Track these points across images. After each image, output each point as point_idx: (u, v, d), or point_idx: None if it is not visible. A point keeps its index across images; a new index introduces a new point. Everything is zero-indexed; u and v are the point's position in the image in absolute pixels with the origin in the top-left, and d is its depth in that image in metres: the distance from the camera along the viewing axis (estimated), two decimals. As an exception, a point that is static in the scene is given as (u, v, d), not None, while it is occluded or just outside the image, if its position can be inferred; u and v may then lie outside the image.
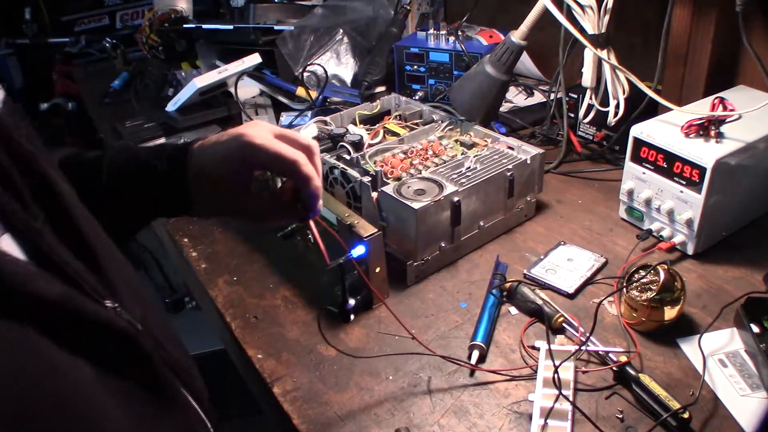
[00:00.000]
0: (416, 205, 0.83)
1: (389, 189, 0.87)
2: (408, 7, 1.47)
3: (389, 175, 0.93)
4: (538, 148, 0.98)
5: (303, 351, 0.78)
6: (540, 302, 0.79)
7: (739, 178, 0.87)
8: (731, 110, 0.87)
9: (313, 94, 1.36)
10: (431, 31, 1.36)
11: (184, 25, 1.54)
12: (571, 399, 0.66)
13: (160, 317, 0.53)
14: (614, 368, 0.70)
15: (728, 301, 0.78)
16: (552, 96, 1.21)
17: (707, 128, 0.86)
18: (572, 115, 1.19)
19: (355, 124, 1.10)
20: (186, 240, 1.01)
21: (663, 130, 0.89)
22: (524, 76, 1.49)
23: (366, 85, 1.37)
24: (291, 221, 0.69)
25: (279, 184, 0.68)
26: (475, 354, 0.74)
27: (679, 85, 1.08)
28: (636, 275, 0.77)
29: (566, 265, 0.88)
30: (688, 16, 1.03)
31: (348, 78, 1.45)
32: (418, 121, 1.11)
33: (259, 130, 0.62)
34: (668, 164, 0.87)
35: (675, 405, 0.64)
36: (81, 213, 0.45)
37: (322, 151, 0.98)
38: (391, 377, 0.73)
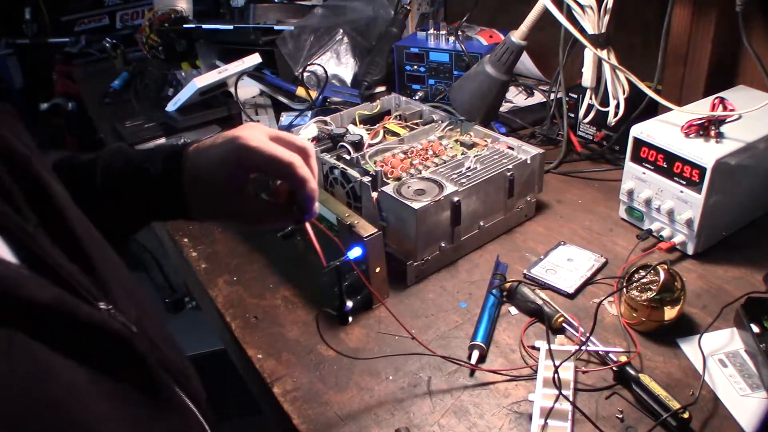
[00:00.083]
0: (416, 205, 0.83)
1: (389, 189, 0.87)
2: (408, 7, 1.47)
3: (389, 175, 0.93)
4: (538, 148, 0.98)
5: (303, 351, 0.78)
6: (540, 302, 0.79)
7: (739, 178, 0.87)
8: (731, 110, 0.87)
9: (313, 94, 1.36)
10: (431, 31, 1.36)
11: (184, 25, 1.54)
12: (571, 399, 0.66)
13: (156, 319, 0.52)
14: (614, 368, 0.70)
15: (728, 301, 0.78)
16: (552, 96, 1.21)
17: (707, 128, 0.86)
18: (572, 115, 1.19)
19: (355, 124, 1.10)
20: (186, 240, 1.01)
21: (663, 130, 0.89)
22: (524, 76, 1.49)
23: (366, 85, 1.37)
24: (287, 224, 0.69)
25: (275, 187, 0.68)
26: (475, 354, 0.74)
27: (679, 85, 1.08)
28: (636, 275, 0.77)
29: (566, 265, 0.88)
30: (688, 16, 1.03)
31: (348, 78, 1.45)
32: (418, 121, 1.11)
33: (255, 133, 0.61)
34: (668, 164, 0.87)
35: (675, 405, 0.64)
36: (75, 215, 0.44)
37: (322, 151, 0.98)
38: (391, 377, 0.73)
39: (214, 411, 0.53)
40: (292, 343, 0.79)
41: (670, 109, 0.93)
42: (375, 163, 0.96)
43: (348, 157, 0.97)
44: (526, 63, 1.44)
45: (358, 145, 1.00)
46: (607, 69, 1.02)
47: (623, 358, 0.70)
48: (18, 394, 0.31)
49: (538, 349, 0.73)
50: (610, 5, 0.97)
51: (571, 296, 0.83)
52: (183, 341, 0.56)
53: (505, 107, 1.34)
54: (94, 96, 1.65)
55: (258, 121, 1.35)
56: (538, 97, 1.40)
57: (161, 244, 1.18)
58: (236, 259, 0.95)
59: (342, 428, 0.67)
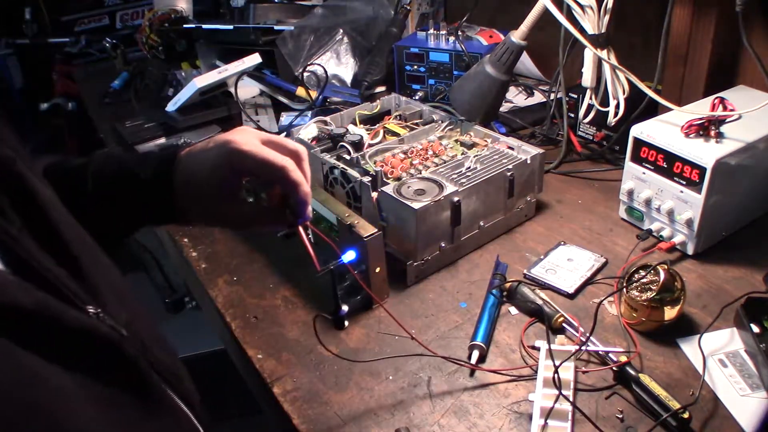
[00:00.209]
0: (416, 205, 0.83)
1: (389, 189, 0.87)
2: (408, 7, 1.47)
3: (389, 175, 0.93)
4: (538, 148, 0.98)
5: (303, 351, 0.78)
6: (540, 302, 0.79)
7: (739, 178, 0.87)
8: (731, 110, 0.87)
9: (313, 94, 1.36)
10: (431, 31, 1.36)
11: (184, 25, 1.54)
12: (571, 399, 0.66)
13: (148, 321, 0.52)
14: (614, 368, 0.70)
15: (728, 301, 0.78)
16: (552, 96, 1.21)
17: (707, 128, 0.86)
18: (572, 115, 1.19)
19: (355, 124, 1.10)
20: (186, 240, 1.01)
21: (663, 130, 0.89)
22: (524, 76, 1.49)
23: (366, 85, 1.37)
24: (280, 228, 0.69)
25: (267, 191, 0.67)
26: (475, 354, 0.74)
27: (679, 85, 1.08)
28: (636, 275, 0.77)
29: (566, 265, 0.88)
30: (688, 16, 1.03)
31: (348, 78, 1.45)
32: (418, 121, 1.11)
33: (247, 137, 0.61)
34: (668, 164, 0.87)
35: (675, 405, 0.64)
36: (63, 219, 0.44)
37: (322, 151, 0.98)
38: (391, 377, 0.73)
39: (214, 411, 0.53)
40: (292, 343, 0.79)
41: (670, 109, 0.93)
42: (375, 163, 0.96)
43: (348, 157, 0.97)
44: (526, 63, 1.44)
45: (358, 145, 1.00)
46: (607, 69, 1.02)
47: (623, 358, 0.70)
48: (1, 400, 0.31)
49: (538, 349, 0.73)
50: (610, 5, 0.97)
51: (571, 296, 0.83)
52: (183, 341, 0.56)
53: (505, 107, 1.34)
54: (94, 96, 1.65)
55: (258, 121, 1.35)
56: (538, 97, 1.40)
57: (161, 244, 1.18)
58: (236, 259, 0.95)
59: (342, 428, 0.67)
